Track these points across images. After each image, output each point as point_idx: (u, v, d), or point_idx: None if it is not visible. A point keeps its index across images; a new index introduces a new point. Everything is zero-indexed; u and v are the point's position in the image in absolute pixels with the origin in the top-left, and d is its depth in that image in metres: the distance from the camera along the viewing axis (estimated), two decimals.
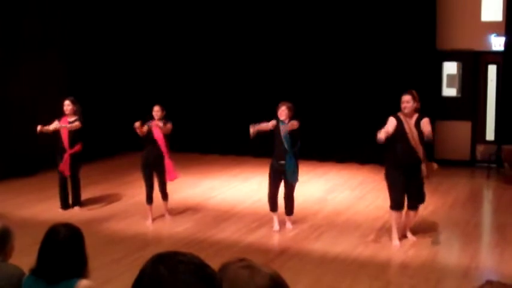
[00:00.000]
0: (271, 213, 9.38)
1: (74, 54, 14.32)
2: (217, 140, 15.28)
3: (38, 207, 10.51)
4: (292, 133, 9.02)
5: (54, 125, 10.09)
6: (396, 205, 8.49)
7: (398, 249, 8.46)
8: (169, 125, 9.66)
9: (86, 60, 14.64)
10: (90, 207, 10.65)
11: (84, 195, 10.97)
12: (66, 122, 10.13)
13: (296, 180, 9.24)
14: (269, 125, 9.08)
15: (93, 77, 14.79)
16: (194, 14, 15.39)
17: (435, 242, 8.81)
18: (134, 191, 11.31)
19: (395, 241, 8.59)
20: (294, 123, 8.96)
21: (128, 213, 10.17)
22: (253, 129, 8.99)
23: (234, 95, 15.17)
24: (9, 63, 12.84)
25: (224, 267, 2.24)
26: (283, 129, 8.94)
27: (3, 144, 12.62)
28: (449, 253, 8.68)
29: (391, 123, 8.31)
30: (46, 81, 13.42)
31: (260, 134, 9.11)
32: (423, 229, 9.19)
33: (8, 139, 12.63)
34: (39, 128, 9.89)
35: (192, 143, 15.36)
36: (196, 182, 12.44)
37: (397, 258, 8.24)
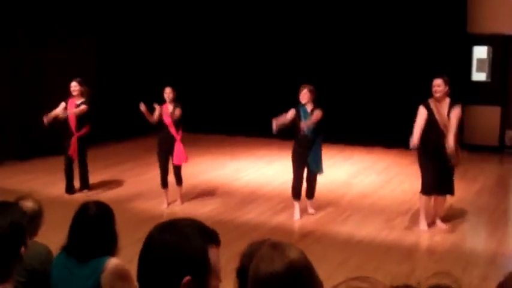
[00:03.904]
0: (294, 201, 9.22)
1: (102, 39, 14.44)
2: (243, 122, 15.28)
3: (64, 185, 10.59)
4: (316, 123, 8.88)
5: (61, 109, 9.99)
6: (426, 190, 8.42)
7: (425, 234, 8.42)
8: (177, 112, 9.41)
9: (113, 44, 14.75)
10: (114, 187, 10.75)
11: (109, 175, 11.05)
12: (74, 104, 10.02)
13: (321, 171, 9.12)
14: (288, 116, 8.87)
15: (120, 61, 14.86)
16: None
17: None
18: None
19: (423, 226, 8.52)
20: (318, 114, 8.80)
21: (154, 194, 10.19)
22: (275, 125, 8.80)
23: (260, 77, 15.14)
24: (39, 46, 13.00)
25: (256, 246, 2.29)
26: (306, 124, 8.73)
27: (32, 124, 12.74)
28: (476, 239, 8.61)
29: (422, 115, 8.21)
30: (74, 65, 13.52)
31: (283, 127, 8.93)
32: (450, 215, 9.11)
33: (35, 120, 12.75)
34: (45, 119, 9.80)
35: (218, 124, 15.39)
36: (222, 164, 12.48)
37: (424, 243, 8.20)
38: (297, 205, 9.20)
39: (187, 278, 1.95)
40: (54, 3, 13.33)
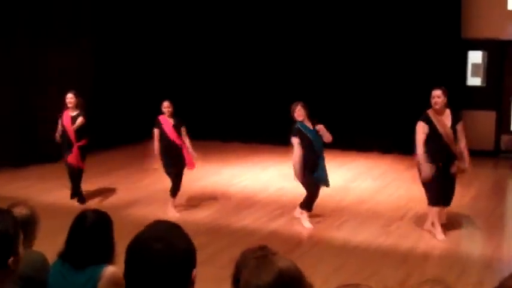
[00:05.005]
0: (304, 212, 8.97)
1: (101, 39, 14.45)
2: (238, 129, 15.28)
3: (62, 193, 10.55)
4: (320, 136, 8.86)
5: (59, 129, 10.06)
6: (435, 201, 8.35)
7: (421, 240, 8.40)
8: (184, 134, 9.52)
9: (113, 45, 14.76)
10: (109, 194, 10.73)
11: (104, 182, 11.05)
12: (69, 117, 9.98)
13: (329, 184, 9.03)
14: (298, 150, 8.75)
15: (119, 62, 14.86)
16: (216, 3, 15.39)
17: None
18: (155, 178, 11.33)
19: (440, 235, 8.39)
20: (325, 132, 8.83)
21: (150, 201, 10.19)
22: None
23: (255, 84, 15.14)
24: (39, 46, 13.01)
25: (249, 254, 2.30)
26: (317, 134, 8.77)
27: (28, 130, 12.74)
28: (472, 244, 8.61)
29: (422, 130, 8.18)
30: (74, 65, 13.54)
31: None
32: (446, 220, 9.10)
33: (32, 125, 12.74)
34: (57, 136, 10.05)
35: (214, 131, 15.38)
36: (218, 170, 12.46)
37: (420, 249, 8.19)
38: (306, 215, 9.03)
39: (195, 272, 2.09)
40: (54, 3, 13.32)
